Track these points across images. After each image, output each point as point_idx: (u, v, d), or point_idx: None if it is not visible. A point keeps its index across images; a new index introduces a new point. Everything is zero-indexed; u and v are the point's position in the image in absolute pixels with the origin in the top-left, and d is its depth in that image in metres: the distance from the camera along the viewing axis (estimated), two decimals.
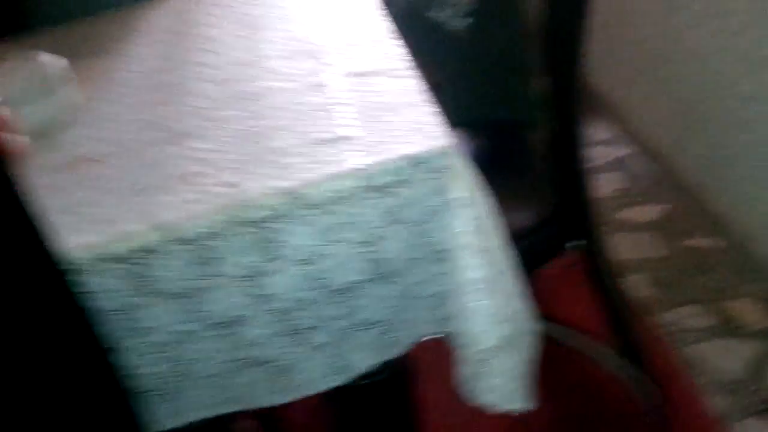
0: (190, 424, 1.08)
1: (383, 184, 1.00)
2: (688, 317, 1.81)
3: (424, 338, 1.13)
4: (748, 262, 1.88)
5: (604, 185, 2.26)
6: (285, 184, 1.00)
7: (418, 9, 1.67)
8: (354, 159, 1.02)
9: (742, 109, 1.73)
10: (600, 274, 1.46)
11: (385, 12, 1.46)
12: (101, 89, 1.45)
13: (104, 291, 0.96)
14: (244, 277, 1.00)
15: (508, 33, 1.67)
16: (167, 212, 1.00)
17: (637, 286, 1.91)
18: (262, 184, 1.01)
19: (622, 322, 1.51)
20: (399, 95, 1.14)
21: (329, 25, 1.45)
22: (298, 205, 0.99)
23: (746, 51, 1.65)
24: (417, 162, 1.00)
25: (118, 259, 0.96)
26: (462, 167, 1.02)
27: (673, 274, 1.95)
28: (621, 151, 2.43)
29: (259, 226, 0.99)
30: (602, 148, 2.43)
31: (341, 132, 1.08)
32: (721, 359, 1.69)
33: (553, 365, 1.15)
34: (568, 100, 1.34)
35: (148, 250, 0.97)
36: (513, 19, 1.68)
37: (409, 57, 1.26)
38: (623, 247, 2.01)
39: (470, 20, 1.62)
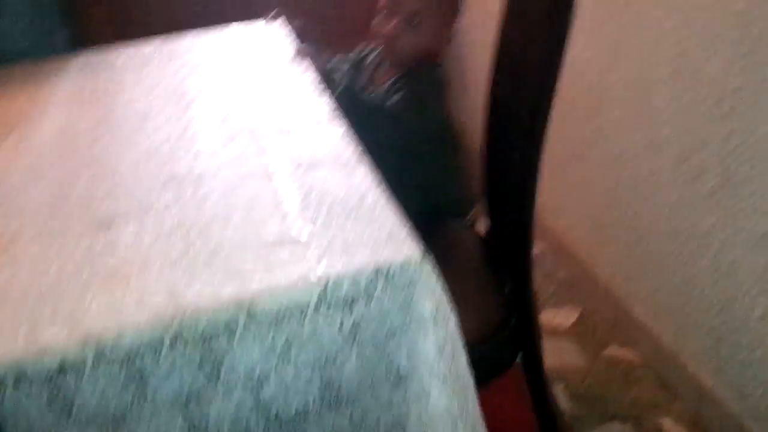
0: None
1: (344, 297, 0.89)
2: None
3: None
4: (668, 376, 1.85)
5: None
6: (235, 293, 0.87)
7: (355, 90, 1.60)
8: (310, 267, 0.90)
9: (664, 218, 1.73)
10: (538, 387, 1.39)
11: (324, 92, 1.38)
12: (3, 156, 1.29)
13: (13, 414, 0.81)
14: (180, 401, 0.87)
15: (432, 114, 1.62)
16: (95, 319, 0.85)
17: (556, 397, 1.85)
18: (208, 292, 0.88)
19: None
20: (354, 192, 1.04)
21: (267, 104, 1.34)
22: (249, 318, 0.86)
23: (673, 161, 1.65)
24: (382, 273, 0.89)
25: (34, 375, 0.81)
26: (431, 280, 0.92)
27: (593, 387, 1.90)
28: (535, 248, 2.38)
29: (202, 341, 0.85)
30: None
31: (295, 233, 0.97)
32: None
33: None
34: (520, 211, 1.28)
35: (71, 368, 0.82)
36: (435, 100, 1.64)
37: (354, 143, 1.18)
38: None
39: (396, 99, 1.56)
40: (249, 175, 1.11)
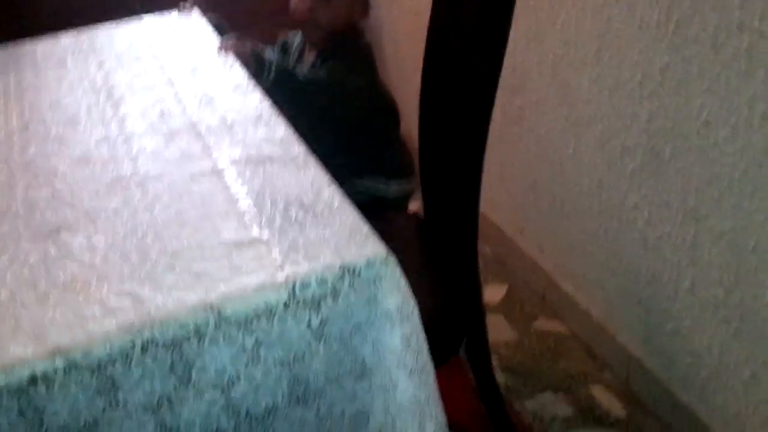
0: None
1: (310, 296, 0.89)
2: (549, 405, 1.81)
3: None
4: (597, 347, 1.92)
5: None
6: (201, 297, 0.87)
7: (286, 70, 1.59)
8: (276, 267, 0.90)
9: (590, 195, 1.78)
10: (483, 370, 1.42)
11: (256, 82, 1.37)
12: None
13: None
14: (152, 405, 0.86)
15: (363, 83, 1.64)
16: (60, 331, 0.83)
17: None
18: (173, 297, 0.87)
19: (500, 414, 1.48)
20: (308, 189, 1.04)
21: (203, 98, 1.32)
22: (219, 321, 0.86)
23: (597, 139, 1.70)
24: (349, 271, 0.90)
25: (3, 388, 0.79)
26: (396, 276, 0.94)
27: (524, 360, 1.95)
28: None
29: (173, 346, 0.85)
30: None
31: (255, 233, 0.96)
32: None
33: None
34: (466, 194, 1.30)
35: (42, 379, 0.80)
36: (364, 70, 1.66)
37: (295, 136, 1.17)
38: None
39: (324, 72, 1.58)
40: (198, 174, 1.10)
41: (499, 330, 2.04)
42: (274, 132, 1.19)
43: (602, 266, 1.81)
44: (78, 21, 1.77)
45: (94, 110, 1.32)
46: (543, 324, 2.05)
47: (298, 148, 1.14)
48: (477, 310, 1.37)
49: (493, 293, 2.17)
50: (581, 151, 1.78)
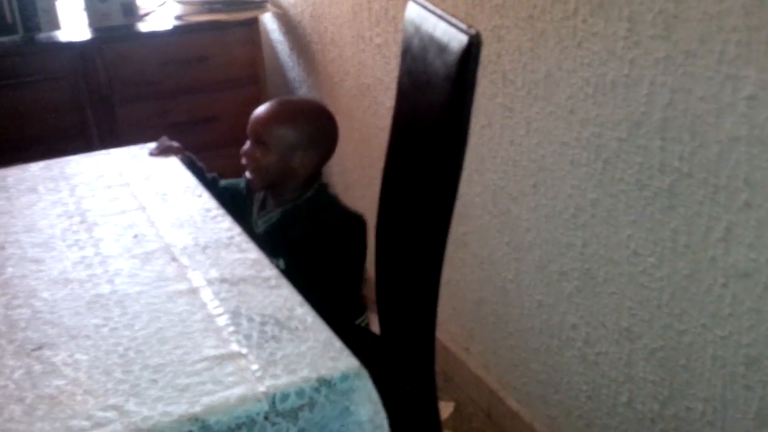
0: None
1: (289, 407, 0.96)
2: None
3: None
4: None
5: None
6: (186, 409, 0.93)
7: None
8: (257, 379, 0.97)
9: (531, 316, 1.89)
10: None
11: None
12: None
13: None
14: None
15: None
16: None
17: None
18: (158, 410, 0.93)
19: None
20: (281, 307, 1.13)
21: (174, 222, 1.40)
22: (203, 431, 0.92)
23: (536, 264, 1.82)
24: (325, 383, 0.98)
25: None
26: (367, 389, 1.01)
27: None
28: None
29: None
30: None
31: (234, 348, 1.03)
32: None
33: None
34: (424, 313, 1.38)
35: None
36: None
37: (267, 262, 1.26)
38: None
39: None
40: (175, 294, 1.17)
41: None
42: (246, 255, 1.27)
43: (545, 383, 1.90)
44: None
45: (68, 234, 1.38)
46: None
47: (270, 270, 1.22)
48: (434, 426, 1.44)
49: (441, 410, 2.22)
50: (522, 274, 1.90)
